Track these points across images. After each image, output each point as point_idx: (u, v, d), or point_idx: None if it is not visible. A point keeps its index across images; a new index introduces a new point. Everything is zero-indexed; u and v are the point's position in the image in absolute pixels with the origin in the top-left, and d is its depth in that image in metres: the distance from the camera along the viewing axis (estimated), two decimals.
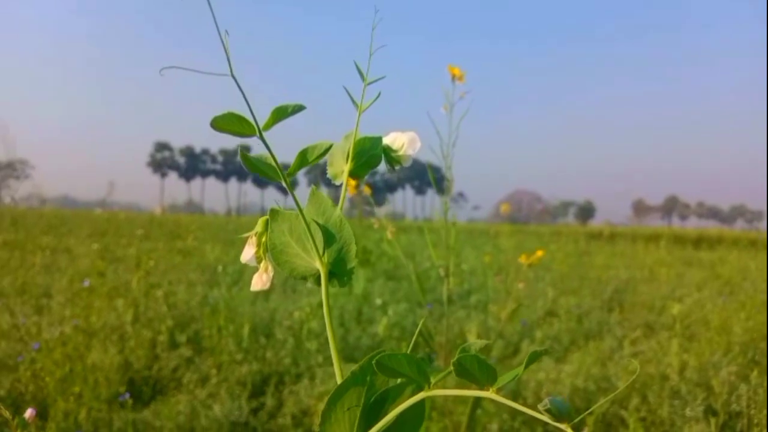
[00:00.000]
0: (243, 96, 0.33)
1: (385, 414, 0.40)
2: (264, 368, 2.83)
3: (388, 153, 0.51)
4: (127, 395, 2.29)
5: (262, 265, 0.48)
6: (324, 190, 0.48)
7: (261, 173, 0.41)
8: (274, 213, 0.46)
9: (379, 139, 0.50)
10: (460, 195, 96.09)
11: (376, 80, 0.44)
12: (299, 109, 0.39)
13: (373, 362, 0.36)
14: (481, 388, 0.37)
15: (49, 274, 5.36)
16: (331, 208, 0.45)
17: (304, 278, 0.46)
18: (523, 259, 1.67)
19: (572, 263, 8.05)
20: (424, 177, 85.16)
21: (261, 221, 0.48)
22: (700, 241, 14.62)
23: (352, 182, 1.83)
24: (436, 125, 1.52)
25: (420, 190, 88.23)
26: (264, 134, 0.37)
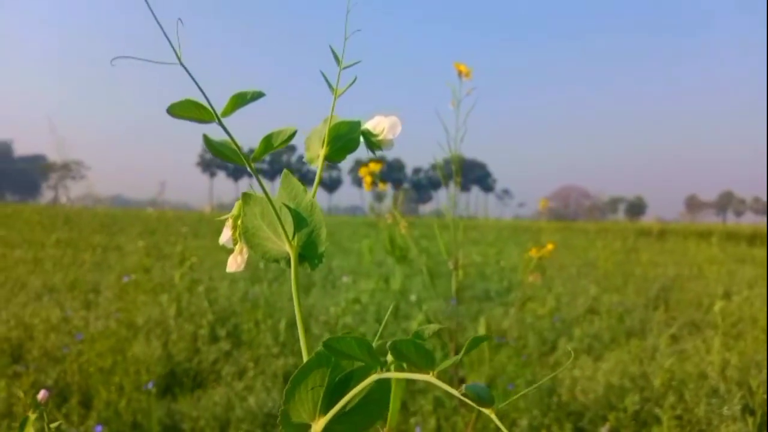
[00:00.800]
0: (195, 83, 0.34)
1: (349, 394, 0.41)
2: (299, 362, 2.86)
3: (368, 137, 0.51)
4: (151, 384, 2.37)
5: (237, 247, 0.49)
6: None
7: (225, 158, 0.42)
8: (246, 197, 0.47)
9: (358, 123, 0.50)
10: (506, 192, 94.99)
11: (351, 65, 0.44)
12: (258, 96, 0.40)
13: (322, 344, 0.37)
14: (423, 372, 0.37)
15: (99, 271, 5.56)
16: (302, 192, 0.46)
17: (276, 261, 0.47)
18: (533, 253, 1.65)
19: (618, 260, 7.89)
20: (468, 174, 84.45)
21: (237, 204, 0.49)
22: (754, 238, 14.08)
23: (368, 179, 1.86)
24: (443, 121, 1.51)
25: (464, 188, 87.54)
26: (223, 120, 0.38)
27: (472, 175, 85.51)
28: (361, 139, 0.50)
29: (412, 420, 2.26)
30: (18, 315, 3.37)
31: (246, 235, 0.47)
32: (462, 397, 0.35)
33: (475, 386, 0.35)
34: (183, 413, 2.34)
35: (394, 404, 0.45)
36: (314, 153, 0.49)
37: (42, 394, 0.79)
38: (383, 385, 0.43)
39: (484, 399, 0.34)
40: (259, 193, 0.47)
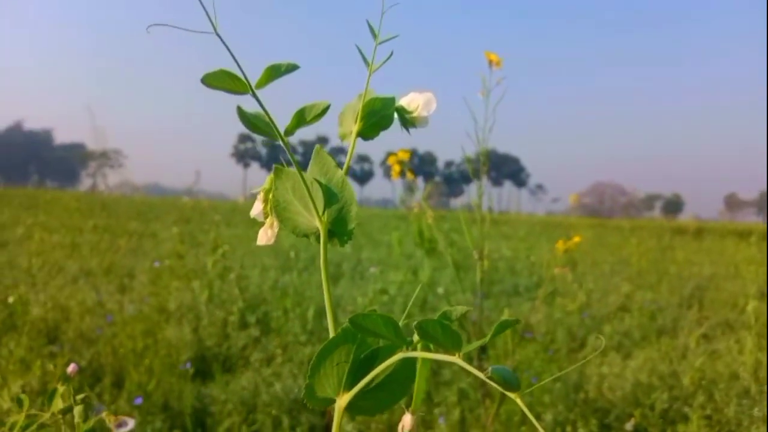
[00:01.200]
0: (230, 53, 0.34)
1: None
2: None
3: (402, 114, 0.51)
4: (189, 365, 2.41)
5: (267, 221, 0.50)
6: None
7: (258, 130, 0.43)
8: (278, 171, 0.48)
9: (392, 99, 0.49)
10: (539, 187, 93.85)
11: (388, 39, 0.44)
12: (292, 68, 0.41)
13: (348, 320, 0.38)
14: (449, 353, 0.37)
15: (134, 257, 5.67)
16: (334, 168, 0.47)
17: (306, 236, 0.48)
18: (559, 245, 1.64)
19: (653, 258, 7.75)
20: (501, 168, 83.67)
21: (269, 178, 0.49)
22: None
23: (397, 168, 1.86)
24: (472, 110, 1.49)
25: (497, 182, 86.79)
26: (257, 92, 0.39)
27: (505, 169, 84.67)
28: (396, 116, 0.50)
29: (436, 411, 2.27)
30: (55, 297, 3.45)
31: (277, 209, 0.48)
32: (488, 380, 0.35)
33: (502, 369, 0.35)
34: (212, 396, 2.38)
35: (419, 385, 0.46)
36: (347, 129, 0.49)
37: (71, 368, 0.81)
38: (408, 364, 0.43)
39: (510, 382, 0.34)
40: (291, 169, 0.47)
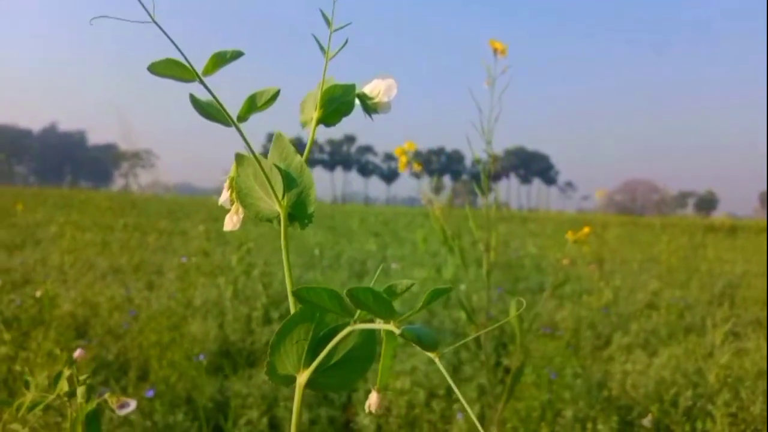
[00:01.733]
0: (172, 42, 0.36)
1: (332, 349, 0.42)
2: None
3: (364, 100, 0.52)
4: (202, 357, 2.46)
5: (233, 207, 0.51)
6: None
7: (210, 117, 0.44)
8: (240, 158, 0.49)
9: (352, 86, 0.50)
10: (569, 184, 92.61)
11: (342, 27, 0.45)
12: (238, 55, 0.42)
13: (292, 293, 0.39)
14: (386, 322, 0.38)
15: (162, 254, 5.78)
16: (293, 154, 0.48)
17: (269, 220, 0.49)
18: (569, 236, 1.62)
19: (683, 256, 7.61)
20: (530, 165, 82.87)
21: (234, 166, 0.51)
22: None
23: (404, 159, 1.86)
24: (477, 102, 1.49)
25: (525, 179, 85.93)
26: (205, 79, 0.40)
27: (534, 167, 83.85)
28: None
29: (455, 406, 2.27)
30: (84, 294, 3.54)
31: (240, 194, 0.49)
32: (400, 336, 0.35)
33: (417, 328, 0.35)
34: (234, 390, 2.42)
35: (384, 363, 0.46)
36: (308, 116, 0.50)
37: (78, 353, 0.84)
38: (368, 342, 0.44)
39: (424, 341, 0.35)
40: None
